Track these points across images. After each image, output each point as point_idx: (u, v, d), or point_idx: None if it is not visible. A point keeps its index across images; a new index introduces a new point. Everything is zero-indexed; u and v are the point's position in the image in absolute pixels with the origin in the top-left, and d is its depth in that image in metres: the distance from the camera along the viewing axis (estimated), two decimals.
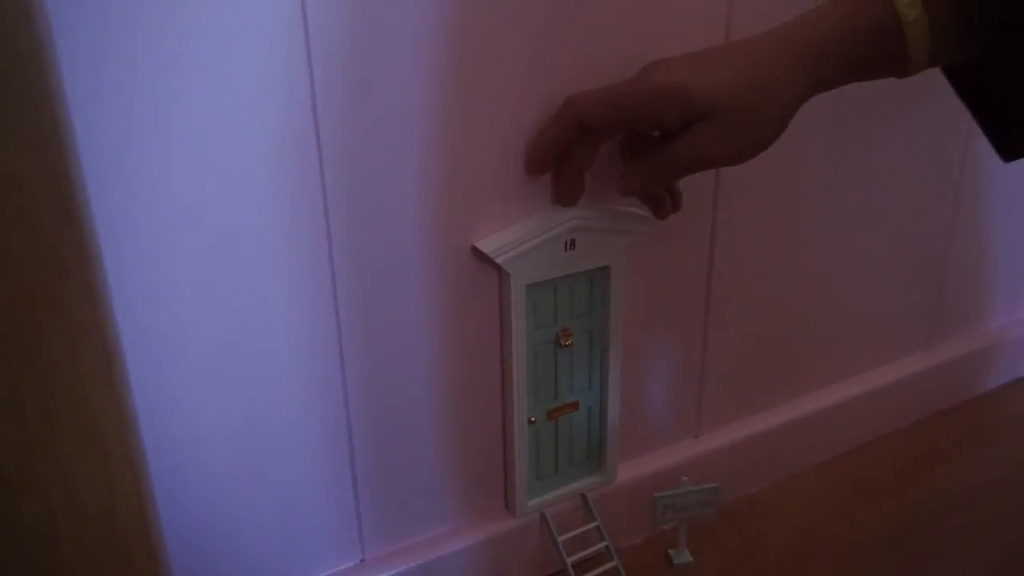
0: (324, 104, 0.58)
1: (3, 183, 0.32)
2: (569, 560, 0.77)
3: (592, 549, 0.79)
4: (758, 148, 0.59)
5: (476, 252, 0.68)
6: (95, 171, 0.51)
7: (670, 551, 0.85)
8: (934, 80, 0.63)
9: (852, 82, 0.59)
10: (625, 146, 0.68)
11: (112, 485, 0.41)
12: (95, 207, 0.45)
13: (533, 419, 0.76)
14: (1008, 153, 0.60)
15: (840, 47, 0.56)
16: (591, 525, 0.80)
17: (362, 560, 0.74)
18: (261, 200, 0.59)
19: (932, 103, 0.89)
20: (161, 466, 0.60)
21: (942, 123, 0.92)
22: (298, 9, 0.55)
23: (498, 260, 0.68)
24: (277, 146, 0.58)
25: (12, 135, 0.34)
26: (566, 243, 0.70)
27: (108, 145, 0.52)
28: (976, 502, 0.93)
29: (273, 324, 0.62)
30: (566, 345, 0.75)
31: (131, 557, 0.43)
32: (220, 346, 0.61)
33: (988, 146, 0.96)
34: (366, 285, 0.65)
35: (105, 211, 0.53)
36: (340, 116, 0.59)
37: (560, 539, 0.78)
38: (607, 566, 0.79)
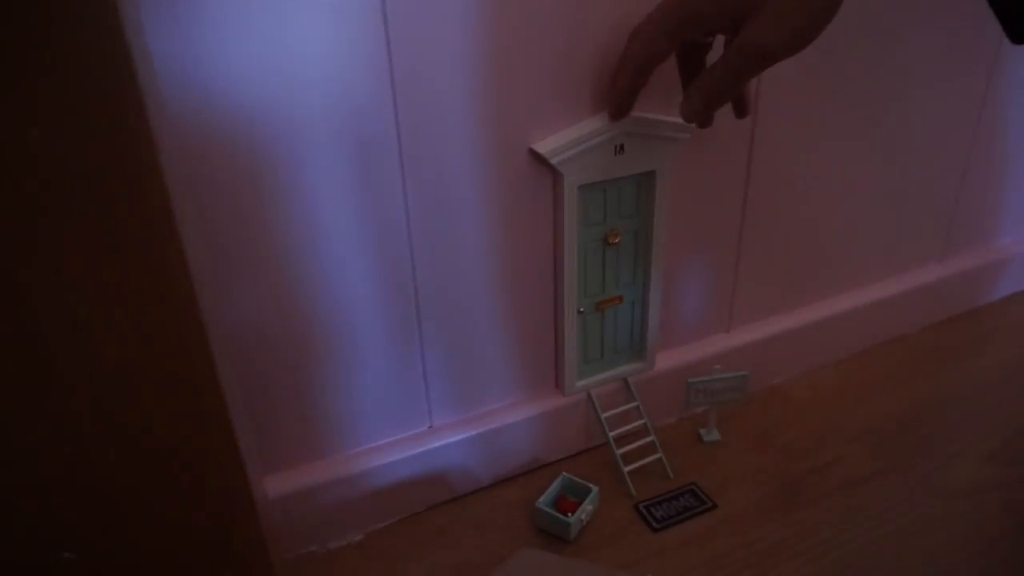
0: (393, 13, 0.52)
1: None
2: (611, 434, 0.73)
3: (632, 426, 0.74)
4: (810, 32, 0.49)
5: (533, 154, 0.61)
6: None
7: (700, 430, 0.79)
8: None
9: None
10: (683, 67, 0.60)
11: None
12: None
13: (582, 310, 0.70)
14: (1018, 34, 0.50)
15: None
16: (631, 405, 0.75)
17: (430, 427, 0.70)
18: (339, 107, 0.53)
19: (961, 24, 0.78)
20: (266, 352, 0.57)
21: (969, 45, 0.81)
22: None
23: (552, 161, 0.61)
24: (351, 57, 0.52)
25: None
26: (616, 147, 0.63)
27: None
28: (978, 395, 0.85)
29: (348, 221, 0.57)
30: (613, 243, 0.68)
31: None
32: (305, 238, 0.56)
33: (1013, 71, 0.86)
34: (433, 181, 0.59)
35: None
36: (409, 26, 0.53)
37: (604, 415, 0.73)
38: (644, 440, 0.74)
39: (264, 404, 0.61)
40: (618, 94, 0.59)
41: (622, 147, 0.64)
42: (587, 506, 0.67)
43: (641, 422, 0.74)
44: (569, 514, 0.66)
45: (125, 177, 0.29)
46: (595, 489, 0.68)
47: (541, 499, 0.67)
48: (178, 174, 0.43)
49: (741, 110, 0.63)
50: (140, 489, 0.35)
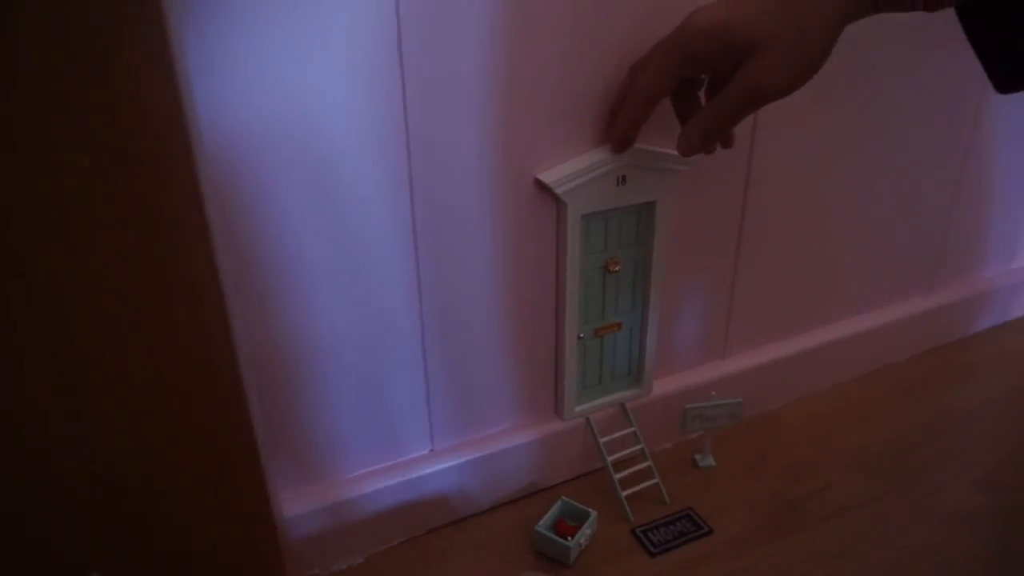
0: (409, 49, 0.54)
1: None
2: (609, 459, 0.74)
3: (629, 451, 0.75)
4: (808, 73, 0.52)
5: (538, 183, 0.63)
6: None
7: (696, 455, 0.80)
8: (950, 41, 0.56)
9: (888, 10, 0.52)
10: (677, 104, 0.62)
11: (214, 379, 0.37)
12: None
13: (582, 336, 0.72)
14: (1003, 85, 0.53)
15: None
16: (629, 430, 0.76)
17: (431, 450, 0.71)
18: (356, 136, 0.55)
19: (947, 66, 0.81)
20: (271, 369, 0.58)
21: (957, 86, 0.84)
22: None
23: (557, 191, 0.63)
24: (368, 90, 0.54)
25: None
26: (618, 179, 0.65)
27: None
28: (967, 423, 0.87)
29: (357, 246, 0.59)
30: (614, 271, 0.70)
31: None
32: (322, 260, 0.57)
33: (997, 111, 0.89)
34: (440, 208, 0.61)
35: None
36: (422, 61, 0.54)
37: (602, 441, 0.74)
38: (641, 465, 0.75)
39: (269, 426, 0.62)
40: (622, 128, 0.61)
41: (624, 178, 0.66)
42: (586, 530, 0.68)
43: (638, 447, 0.76)
44: (568, 538, 0.67)
45: (168, 203, 0.30)
46: (594, 513, 0.69)
47: (541, 522, 0.68)
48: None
49: (727, 142, 0.65)
50: (167, 508, 0.36)
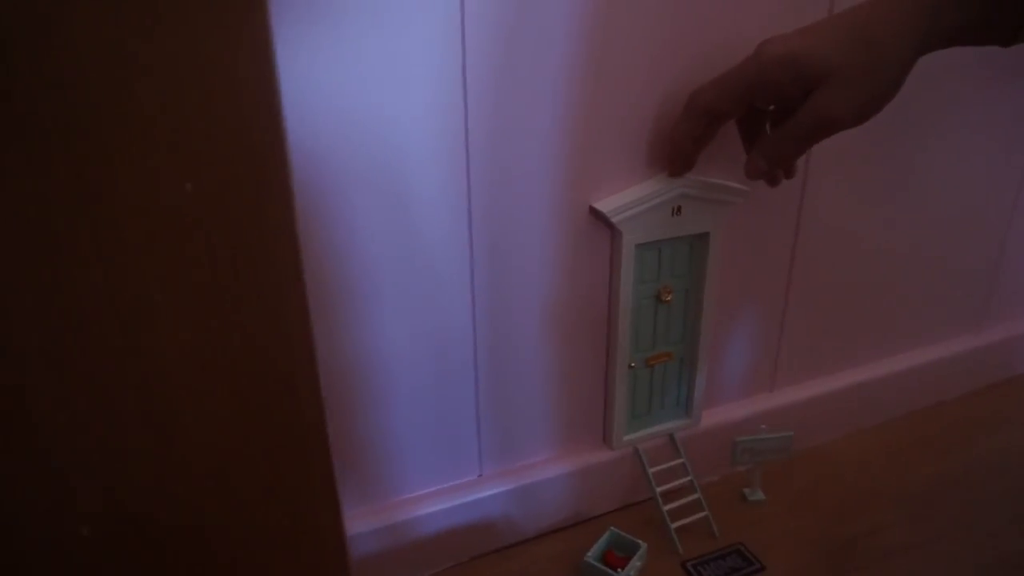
0: (473, 76, 0.55)
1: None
2: (658, 490, 0.73)
3: (677, 482, 0.75)
4: (878, 104, 0.52)
5: (594, 212, 0.64)
6: None
7: (744, 489, 0.79)
8: (1005, 77, 0.56)
9: (961, 43, 0.52)
10: (744, 132, 0.62)
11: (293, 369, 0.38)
12: None
13: (633, 364, 0.71)
14: None
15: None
16: (677, 461, 0.75)
17: (480, 475, 0.71)
18: (422, 159, 0.56)
19: (1001, 101, 0.81)
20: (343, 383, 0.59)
21: (1011, 121, 0.83)
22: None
23: (613, 220, 0.63)
24: (432, 118, 0.55)
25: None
26: (673, 209, 0.66)
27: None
28: (1018, 466, 0.85)
29: (414, 272, 0.59)
30: (666, 301, 0.70)
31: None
32: (383, 284, 0.58)
33: None
34: (498, 237, 0.61)
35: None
36: (484, 89, 0.56)
37: (650, 471, 0.73)
38: (690, 498, 0.74)
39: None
40: (677, 141, 0.61)
41: (679, 209, 0.66)
42: (636, 562, 0.67)
43: (687, 479, 0.75)
44: (619, 570, 0.66)
45: (262, 230, 0.31)
46: (644, 545, 0.68)
47: (590, 553, 0.68)
48: None
49: (789, 172, 0.65)
50: (243, 533, 0.36)
